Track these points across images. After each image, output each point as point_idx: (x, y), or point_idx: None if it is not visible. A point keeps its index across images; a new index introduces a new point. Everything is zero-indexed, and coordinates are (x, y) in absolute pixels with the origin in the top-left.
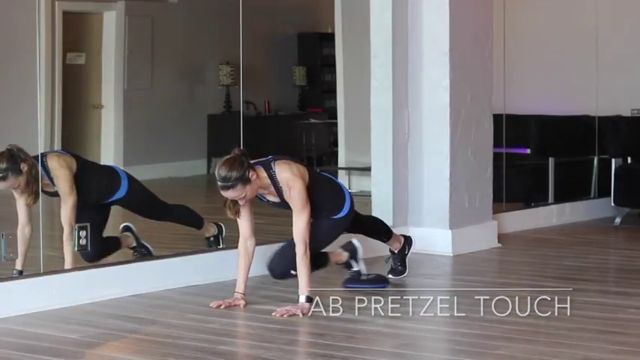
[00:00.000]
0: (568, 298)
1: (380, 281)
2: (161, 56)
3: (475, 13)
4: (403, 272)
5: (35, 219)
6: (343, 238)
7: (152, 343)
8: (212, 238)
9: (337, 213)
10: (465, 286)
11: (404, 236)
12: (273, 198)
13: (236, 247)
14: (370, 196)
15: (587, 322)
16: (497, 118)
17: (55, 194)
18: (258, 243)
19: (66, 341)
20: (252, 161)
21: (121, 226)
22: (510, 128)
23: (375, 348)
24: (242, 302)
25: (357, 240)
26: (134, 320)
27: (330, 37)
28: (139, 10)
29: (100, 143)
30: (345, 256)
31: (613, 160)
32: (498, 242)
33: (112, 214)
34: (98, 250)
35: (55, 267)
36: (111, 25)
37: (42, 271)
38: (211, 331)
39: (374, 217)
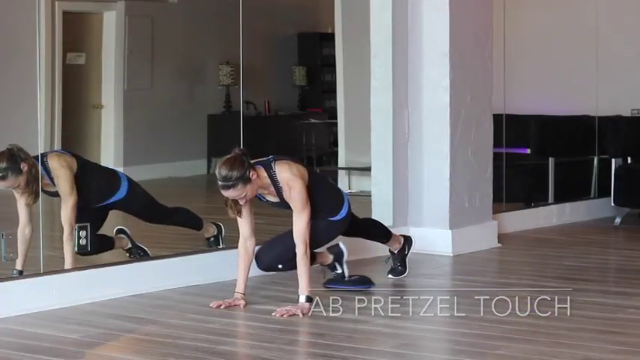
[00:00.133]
0: (568, 298)
1: (363, 282)
2: (161, 56)
3: (475, 14)
4: (403, 272)
5: (35, 219)
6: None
7: (152, 343)
8: (212, 239)
9: (335, 215)
10: (465, 286)
11: (404, 236)
12: (272, 198)
13: (236, 247)
14: (370, 196)
15: (587, 322)
16: (497, 118)
17: (56, 194)
18: (258, 243)
19: (66, 341)
20: (252, 161)
21: (115, 229)
22: (510, 128)
23: (375, 348)
24: (242, 302)
25: (343, 244)
26: (134, 320)
27: (330, 37)
28: (139, 10)
29: (100, 143)
30: (330, 258)
31: (613, 160)
32: (498, 242)
33: (110, 218)
34: (92, 245)
35: (55, 267)
36: (111, 25)
37: (42, 271)
38: (211, 331)
39: (372, 220)
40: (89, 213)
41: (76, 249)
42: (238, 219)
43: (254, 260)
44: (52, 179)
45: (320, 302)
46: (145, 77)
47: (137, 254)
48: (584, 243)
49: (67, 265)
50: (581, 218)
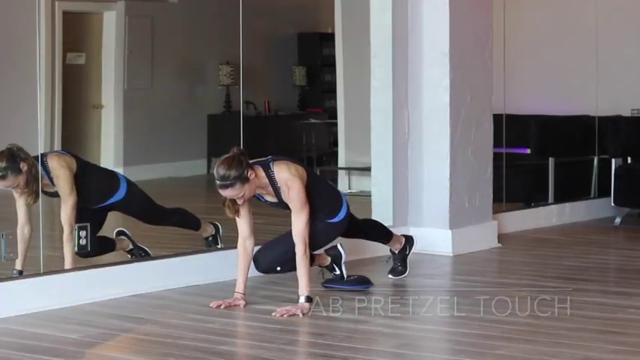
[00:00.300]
0: (568, 298)
1: (362, 282)
2: (161, 56)
3: (475, 14)
4: (403, 272)
5: (35, 219)
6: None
7: (152, 343)
8: (210, 238)
9: (333, 216)
10: (465, 286)
11: (405, 236)
12: (270, 198)
13: (235, 247)
14: (370, 196)
15: (587, 322)
16: (497, 118)
17: (55, 194)
18: (257, 243)
19: (66, 341)
20: (250, 161)
21: (115, 230)
22: (510, 128)
23: (375, 348)
24: (242, 302)
25: (341, 246)
26: (134, 320)
27: (330, 37)
28: (138, 10)
29: (100, 143)
30: (327, 260)
31: (613, 160)
32: (498, 242)
33: (110, 219)
34: (92, 247)
35: (55, 267)
36: (111, 25)
37: (42, 271)
38: (211, 331)
39: (372, 221)
40: (88, 214)
41: (76, 249)
42: (237, 219)
43: (252, 263)
44: (51, 179)
45: (320, 302)
46: (145, 77)
47: (138, 255)
48: (584, 243)
49: (67, 265)
50: (581, 218)
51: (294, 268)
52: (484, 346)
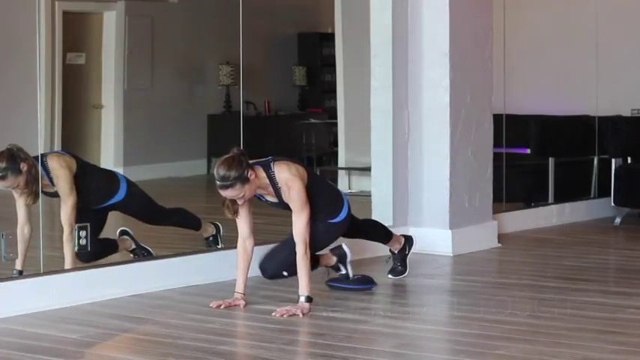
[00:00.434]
0: (568, 298)
1: (366, 282)
2: (161, 56)
3: (475, 14)
4: (403, 272)
5: (35, 219)
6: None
7: (152, 343)
8: (210, 238)
9: (334, 217)
10: (465, 286)
11: (404, 236)
12: (271, 198)
13: (235, 247)
14: (370, 196)
15: (587, 322)
16: (497, 118)
17: (55, 195)
18: (257, 243)
19: (66, 341)
20: (251, 161)
21: (118, 230)
22: (510, 128)
23: (375, 348)
24: (242, 302)
25: (346, 245)
26: (134, 320)
27: (330, 37)
28: (138, 10)
29: (100, 143)
30: (333, 259)
31: (613, 160)
32: (498, 242)
33: (111, 219)
34: (94, 251)
35: (55, 267)
36: (111, 25)
37: (42, 271)
38: (211, 331)
39: (372, 221)
40: (88, 214)
41: (76, 249)
42: (237, 219)
43: (259, 271)
44: (51, 180)
45: (320, 302)
46: (145, 77)
47: (141, 255)
48: (584, 243)
49: (67, 265)
50: (581, 218)
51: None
52: (484, 346)
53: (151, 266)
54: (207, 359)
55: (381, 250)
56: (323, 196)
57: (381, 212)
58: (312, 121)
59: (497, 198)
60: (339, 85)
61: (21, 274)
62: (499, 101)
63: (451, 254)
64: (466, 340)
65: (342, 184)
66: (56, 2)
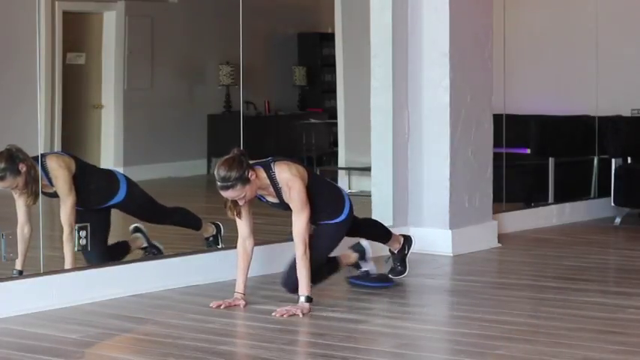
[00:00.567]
0: (568, 298)
1: (383, 280)
2: (161, 56)
3: (475, 14)
4: (403, 272)
5: (35, 219)
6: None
7: (152, 343)
8: (211, 238)
9: (337, 216)
10: (465, 286)
11: (404, 236)
12: (272, 199)
13: (235, 247)
14: (370, 196)
15: (587, 322)
16: (497, 118)
17: (55, 195)
18: (257, 243)
19: (66, 341)
20: (251, 162)
21: (131, 227)
22: (510, 128)
23: (375, 348)
24: (242, 302)
25: (365, 240)
26: (134, 320)
27: (330, 37)
28: (138, 10)
29: (100, 143)
30: (354, 257)
31: (613, 160)
32: (498, 242)
33: (116, 217)
34: (108, 257)
35: (55, 267)
36: (111, 25)
37: (42, 271)
38: (211, 331)
39: (372, 220)
40: (91, 214)
41: (76, 249)
42: (237, 219)
43: (282, 287)
44: (50, 180)
45: (320, 302)
46: (145, 77)
47: (152, 253)
48: (584, 243)
49: (67, 265)
50: (581, 218)
51: (324, 277)
52: (484, 346)
53: (151, 266)
54: (207, 359)
55: (381, 250)
56: (324, 195)
57: (381, 212)
58: (312, 121)
59: (497, 198)
60: (339, 85)
61: (21, 274)
62: (499, 101)
63: (451, 254)
64: (466, 340)
65: (342, 184)
66: (56, 2)
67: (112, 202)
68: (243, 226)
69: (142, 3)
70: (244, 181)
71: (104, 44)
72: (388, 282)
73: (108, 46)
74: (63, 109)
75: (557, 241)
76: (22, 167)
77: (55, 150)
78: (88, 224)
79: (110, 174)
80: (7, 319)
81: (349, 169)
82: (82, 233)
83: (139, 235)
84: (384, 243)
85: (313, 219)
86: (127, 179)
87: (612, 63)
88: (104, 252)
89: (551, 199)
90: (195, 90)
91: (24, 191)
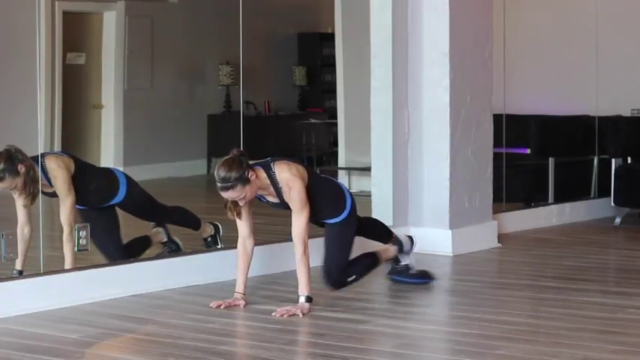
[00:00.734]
0: (568, 298)
1: (423, 276)
2: (161, 56)
3: (475, 14)
4: None
5: (35, 219)
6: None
7: (152, 343)
8: (209, 239)
9: (339, 213)
10: (465, 286)
11: (406, 237)
12: (272, 199)
13: (235, 247)
14: (370, 196)
15: (587, 322)
16: (497, 118)
17: (55, 195)
18: (257, 243)
19: (66, 341)
20: (250, 162)
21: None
22: (510, 128)
23: (375, 348)
24: (242, 302)
25: (403, 234)
26: (134, 320)
27: (330, 37)
28: (138, 10)
29: (100, 143)
30: (393, 250)
31: (613, 160)
32: (498, 242)
33: (123, 214)
34: (126, 253)
35: (55, 267)
36: (111, 25)
37: (42, 271)
38: (211, 331)
39: (373, 219)
40: (98, 212)
41: (76, 249)
42: (237, 220)
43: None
44: (49, 180)
45: (320, 302)
46: (145, 77)
47: (170, 248)
48: (584, 243)
49: (67, 265)
50: (581, 218)
51: (364, 272)
52: (484, 346)
53: (151, 266)
54: (207, 359)
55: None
56: (324, 194)
57: (381, 212)
58: (312, 121)
59: (497, 198)
60: (339, 85)
61: (21, 274)
62: (499, 101)
63: (451, 254)
64: (466, 340)
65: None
66: (56, 2)
67: (112, 202)
68: (243, 226)
69: (142, 3)
70: (244, 181)
71: (104, 44)
72: (428, 278)
73: (108, 46)
74: (63, 109)
75: (557, 241)
76: (21, 168)
77: (55, 150)
78: (88, 225)
79: (110, 173)
80: (7, 319)
81: (349, 169)
82: (82, 233)
83: (160, 229)
84: (384, 243)
85: (316, 217)
86: (127, 178)
87: (612, 63)
88: (121, 245)
89: (551, 199)
90: (195, 90)
91: (23, 192)
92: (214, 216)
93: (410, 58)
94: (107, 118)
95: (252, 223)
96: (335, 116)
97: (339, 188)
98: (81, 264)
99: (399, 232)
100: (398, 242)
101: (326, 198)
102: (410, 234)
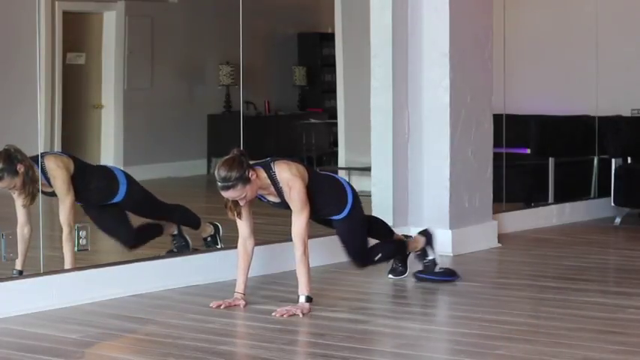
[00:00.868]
0: (568, 298)
1: (451, 274)
2: (161, 56)
3: (475, 14)
4: (404, 273)
5: (35, 219)
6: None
7: (152, 343)
8: (209, 239)
9: (342, 210)
10: (464, 286)
11: (406, 237)
12: (273, 198)
13: (235, 247)
14: (370, 196)
15: (587, 322)
16: (497, 118)
17: (54, 194)
18: (257, 243)
19: (66, 341)
20: (250, 162)
21: None
22: (510, 128)
23: (375, 348)
24: (242, 302)
25: (431, 228)
26: (134, 320)
27: (330, 37)
28: (138, 10)
29: (100, 143)
30: (421, 241)
31: (613, 160)
32: (498, 242)
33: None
34: (133, 238)
35: (55, 267)
36: (111, 25)
37: (42, 271)
38: (211, 331)
39: (374, 217)
40: (100, 211)
41: (76, 249)
42: (237, 220)
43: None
44: (48, 180)
45: (320, 302)
46: (145, 77)
47: (179, 243)
48: (584, 243)
49: (67, 265)
50: (581, 218)
51: (390, 252)
52: (484, 346)
53: (150, 266)
54: (207, 359)
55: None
56: (326, 192)
57: (381, 212)
58: (312, 121)
59: (497, 198)
60: (339, 85)
61: (21, 274)
62: (499, 101)
63: (451, 254)
64: (466, 340)
65: None
66: (56, 2)
67: (112, 201)
68: (243, 226)
69: (142, 3)
70: (245, 180)
71: (104, 44)
72: (453, 276)
73: (108, 46)
74: (63, 109)
75: (557, 241)
76: (20, 168)
77: (55, 150)
78: (88, 225)
79: (110, 173)
80: (7, 319)
81: (349, 169)
82: (82, 233)
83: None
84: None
85: (319, 215)
86: (127, 177)
87: (612, 63)
88: (132, 228)
89: (551, 199)
90: (195, 90)
91: (22, 192)
92: (214, 216)
93: (410, 58)
94: (107, 118)
95: (253, 223)
96: (335, 116)
97: (339, 184)
98: (81, 264)
99: (400, 232)
100: (427, 234)
101: (328, 195)
102: (409, 234)
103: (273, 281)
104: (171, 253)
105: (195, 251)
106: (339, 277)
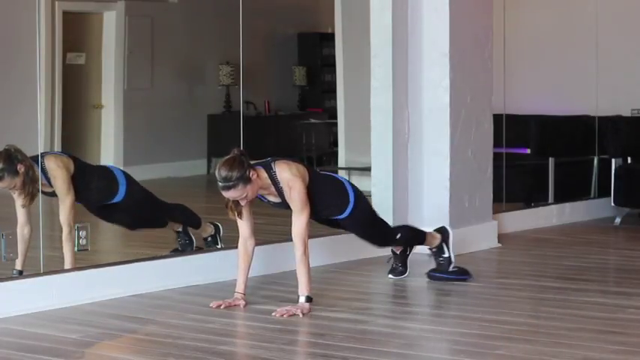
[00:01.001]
0: (568, 298)
1: (464, 273)
2: (161, 56)
3: (475, 14)
4: (404, 273)
5: (35, 219)
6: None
7: (152, 343)
8: (209, 238)
9: (344, 209)
10: (464, 286)
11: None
12: (274, 198)
13: (235, 247)
14: (370, 196)
15: (587, 322)
16: (497, 118)
17: (54, 194)
18: (257, 243)
19: (66, 341)
20: (251, 162)
21: None
22: (510, 128)
23: (376, 348)
24: (242, 302)
25: (448, 226)
26: (134, 320)
27: (330, 37)
28: (138, 10)
29: (100, 143)
30: (438, 238)
31: (613, 160)
32: (498, 242)
33: None
34: (145, 218)
35: (55, 267)
36: (111, 25)
37: (42, 271)
38: (211, 331)
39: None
40: (100, 208)
41: (76, 249)
42: (238, 220)
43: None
44: (48, 180)
45: (320, 302)
46: (145, 77)
47: (183, 240)
48: (584, 243)
49: (67, 265)
50: (581, 218)
51: (409, 237)
52: (484, 346)
53: (150, 266)
54: (207, 359)
55: (382, 250)
56: (327, 192)
57: (381, 212)
58: (312, 121)
59: (497, 198)
60: (339, 85)
61: (21, 274)
62: (499, 101)
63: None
64: (466, 340)
65: None
66: (56, 2)
67: (112, 201)
68: (244, 226)
69: (142, 3)
70: (246, 180)
71: (104, 44)
72: (466, 275)
73: (108, 46)
74: (63, 109)
75: (557, 241)
76: (21, 168)
77: (55, 150)
78: (88, 225)
79: (109, 173)
80: (7, 319)
81: (349, 169)
82: (82, 233)
83: None
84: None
85: (322, 215)
86: (127, 177)
87: (612, 63)
88: (141, 215)
89: (551, 199)
90: (195, 90)
91: (22, 192)
92: (214, 216)
93: (410, 58)
94: (107, 118)
95: (253, 223)
96: (335, 116)
97: (340, 184)
98: (81, 264)
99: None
100: (444, 231)
101: (328, 195)
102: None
103: (273, 281)
104: (172, 253)
105: (196, 251)
106: (339, 277)
